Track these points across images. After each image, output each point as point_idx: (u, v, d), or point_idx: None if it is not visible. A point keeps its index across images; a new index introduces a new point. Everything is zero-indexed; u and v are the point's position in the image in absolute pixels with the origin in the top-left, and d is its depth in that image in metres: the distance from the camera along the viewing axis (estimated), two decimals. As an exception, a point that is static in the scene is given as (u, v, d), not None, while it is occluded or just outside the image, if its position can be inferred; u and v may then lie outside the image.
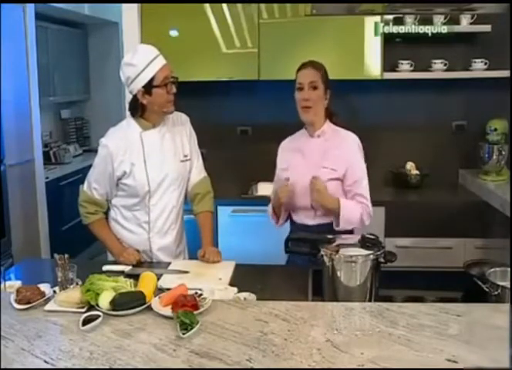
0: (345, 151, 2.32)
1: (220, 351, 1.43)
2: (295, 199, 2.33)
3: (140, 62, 2.20)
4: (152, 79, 2.20)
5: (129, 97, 2.38)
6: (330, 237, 1.95)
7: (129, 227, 2.38)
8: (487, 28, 3.42)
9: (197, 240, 2.43)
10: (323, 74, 2.31)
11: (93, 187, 2.34)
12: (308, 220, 2.34)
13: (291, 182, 2.33)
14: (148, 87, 2.20)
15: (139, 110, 2.28)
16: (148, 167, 2.30)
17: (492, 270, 1.87)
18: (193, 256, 2.47)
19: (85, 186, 2.38)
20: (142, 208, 2.34)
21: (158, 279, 1.94)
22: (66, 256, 1.87)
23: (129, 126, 2.33)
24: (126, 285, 1.78)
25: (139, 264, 2.24)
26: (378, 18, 3.42)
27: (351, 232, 2.27)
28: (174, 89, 2.25)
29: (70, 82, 5.58)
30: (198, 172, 2.47)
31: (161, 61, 2.23)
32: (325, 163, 2.30)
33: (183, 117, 2.44)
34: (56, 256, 1.89)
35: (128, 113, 2.37)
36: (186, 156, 2.40)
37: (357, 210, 2.28)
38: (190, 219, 2.53)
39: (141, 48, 2.29)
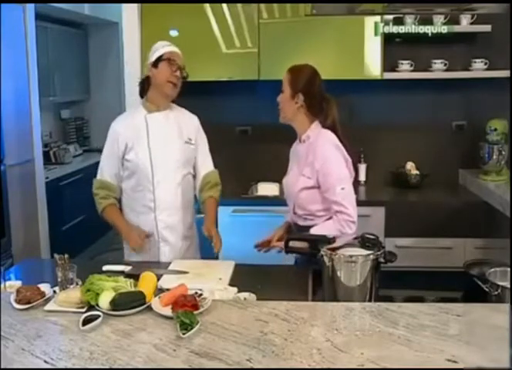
0: (317, 157, 2.22)
1: (220, 351, 1.43)
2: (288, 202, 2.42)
3: (161, 44, 2.45)
4: (162, 55, 2.39)
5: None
6: (330, 237, 1.95)
7: (136, 207, 2.46)
8: (487, 28, 3.43)
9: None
10: (293, 77, 2.30)
11: (104, 170, 2.47)
12: (300, 221, 2.36)
13: (283, 186, 2.46)
14: (156, 61, 2.39)
15: (146, 84, 2.45)
16: (151, 144, 2.41)
17: (492, 270, 1.87)
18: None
19: (97, 175, 2.49)
20: (146, 187, 2.42)
21: (158, 279, 1.94)
22: (66, 256, 1.87)
23: (135, 109, 2.51)
24: (126, 285, 1.78)
25: (148, 237, 2.39)
26: (378, 18, 3.43)
27: None
28: (179, 73, 2.39)
29: (70, 82, 5.58)
30: (209, 165, 2.60)
31: (176, 49, 2.45)
32: (304, 170, 2.28)
33: (195, 118, 2.59)
34: (56, 256, 1.89)
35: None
36: (190, 139, 2.50)
37: (331, 228, 2.18)
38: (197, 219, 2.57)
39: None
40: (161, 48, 2.42)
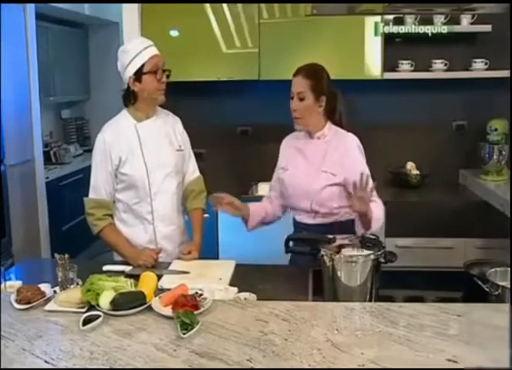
0: (345, 155, 2.24)
1: (221, 351, 1.43)
2: (295, 201, 2.33)
3: (133, 49, 2.26)
4: (142, 67, 2.24)
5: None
6: (330, 237, 1.95)
7: (130, 220, 2.36)
8: (487, 28, 3.43)
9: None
10: (314, 82, 2.24)
11: (99, 187, 2.32)
12: (309, 220, 2.33)
13: (289, 183, 2.33)
14: (138, 74, 2.24)
15: (131, 99, 2.31)
16: (145, 155, 2.31)
17: (492, 270, 1.87)
18: None
19: (90, 193, 2.35)
20: (144, 199, 2.33)
21: (158, 279, 1.94)
22: (66, 256, 1.87)
23: (123, 119, 2.35)
24: (127, 285, 1.78)
25: (156, 265, 2.22)
26: (378, 18, 3.43)
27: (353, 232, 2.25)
28: (165, 79, 2.28)
29: (70, 82, 5.58)
30: (193, 170, 2.52)
31: (153, 50, 2.28)
32: (325, 166, 2.25)
33: (174, 116, 2.48)
34: (57, 256, 1.89)
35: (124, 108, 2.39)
36: (180, 146, 2.42)
37: (380, 208, 2.18)
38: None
39: (136, 38, 2.39)
40: (138, 55, 2.23)
